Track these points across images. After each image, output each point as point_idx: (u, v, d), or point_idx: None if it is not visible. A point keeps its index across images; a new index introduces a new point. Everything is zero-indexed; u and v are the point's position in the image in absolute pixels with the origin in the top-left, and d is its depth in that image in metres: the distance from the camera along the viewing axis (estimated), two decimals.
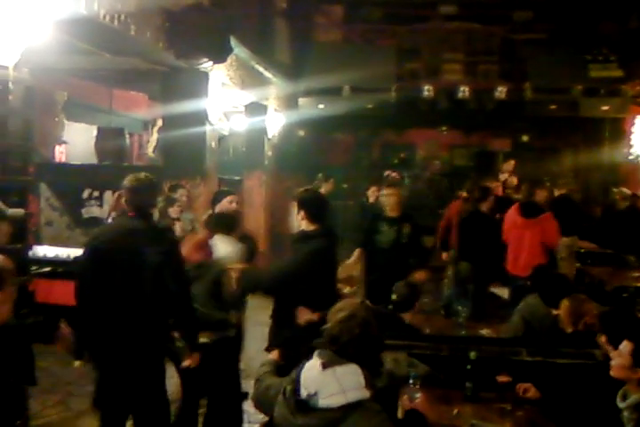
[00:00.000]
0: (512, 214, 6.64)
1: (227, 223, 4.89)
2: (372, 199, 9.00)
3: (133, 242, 3.54)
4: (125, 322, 3.51)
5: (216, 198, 5.14)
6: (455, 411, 3.23)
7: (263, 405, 2.62)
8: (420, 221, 9.90)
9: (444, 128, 12.85)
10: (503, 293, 6.76)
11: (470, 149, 13.48)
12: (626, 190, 8.86)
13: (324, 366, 2.31)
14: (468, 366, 3.44)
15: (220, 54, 6.70)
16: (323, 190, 8.51)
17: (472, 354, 3.48)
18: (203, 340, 3.89)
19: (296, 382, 2.36)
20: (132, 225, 3.60)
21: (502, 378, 3.47)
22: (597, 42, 11.20)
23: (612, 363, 2.79)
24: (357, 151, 13.47)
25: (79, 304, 3.57)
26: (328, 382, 2.27)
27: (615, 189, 9.11)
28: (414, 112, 11.42)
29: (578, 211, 8.23)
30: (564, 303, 4.11)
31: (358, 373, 2.31)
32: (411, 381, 2.73)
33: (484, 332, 4.76)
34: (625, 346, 2.73)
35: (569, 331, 4.05)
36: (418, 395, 2.70)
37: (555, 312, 4.32)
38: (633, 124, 10.85)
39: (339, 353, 2.38)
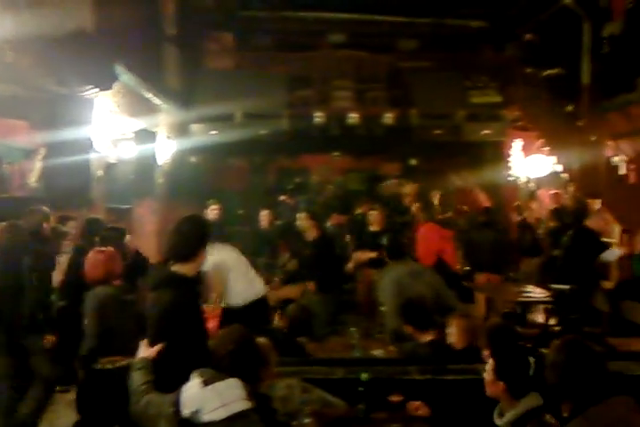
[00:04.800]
0: (436, 230, 7.20)
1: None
2: (264, 223, 8.96)
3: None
4: None
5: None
6: None
7: (143, 421, 2.63)
8: None
9: (336, 153, 13.10)
10: None
11: (362, 174, 13.81)
12: None
13: (205, 383, 2.40)
14: (361, 388, 3.48)
15: (104, 81, 6.57)
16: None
17: (364, 376, 3.52)
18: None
19: (176, 404, 2.41)
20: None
21: (394, 398, 3.53)
22: (477, 69, 11.84)
23: (485, 381, 2.94)
24: (253, 177, 13.47)
25: None
26: (209, 397, 2.36)
27: None
28: (307, 138, 11.61)
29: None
30: (456, 321, 4.24)
31: (238, 386, 2.40)
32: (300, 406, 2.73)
33: (377, 352, 4.83)
34: (490, 363, 2.89)
35: (459, 348, 4.17)
36: (307, 420, 2.70)
37: (423, 338, 4.43)
38: (511, 147, 11.49)
39: (217, 368, 2.49)
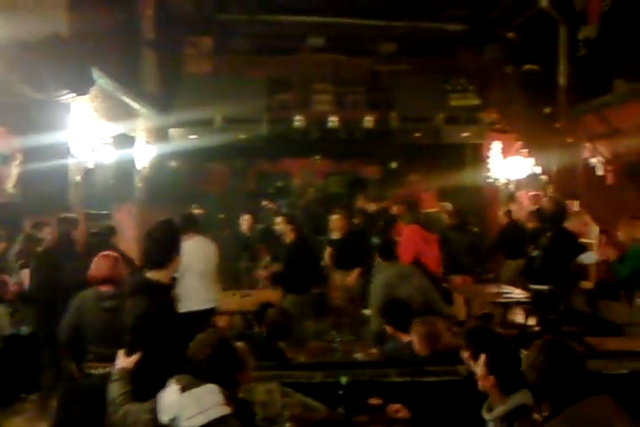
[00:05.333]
0: (419, 232, 7.03)
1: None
2: (244, 227, 8.95)
3: None
4: None
5: None
6: None
7: None
8: None
9: (316, 157, 13.11)
10: None
11: (343, 177, 13.86)
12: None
13: (183, 389, 2.38)
14: (340, 392, 3.47)
15: (81, 86, 6.51)
16: None
17: (343, 379, 3.51)
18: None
19: (154, 411, 2.40)
20: None
21: (373, 401, 3.52)
22: (456, 72, 11.91)
23: (477, 376, 2.92)
24: (233, 181, 13.43)
25: None
26: (187, 404, 2.34)
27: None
28: (287, 142, 11.59)
29: None
30: (416, 328, 4.21)
31: (216, 391, 2.39)
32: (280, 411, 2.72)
33: (358, 356, 4.82)
34: (482, 357, 2.89)
35: (423, 354, 4.13)
36: (287, 425, 2.69)
37: (405, 338, 4.42)
38: (490, 149, 11.56)
39: (194, 373, 2.47)
